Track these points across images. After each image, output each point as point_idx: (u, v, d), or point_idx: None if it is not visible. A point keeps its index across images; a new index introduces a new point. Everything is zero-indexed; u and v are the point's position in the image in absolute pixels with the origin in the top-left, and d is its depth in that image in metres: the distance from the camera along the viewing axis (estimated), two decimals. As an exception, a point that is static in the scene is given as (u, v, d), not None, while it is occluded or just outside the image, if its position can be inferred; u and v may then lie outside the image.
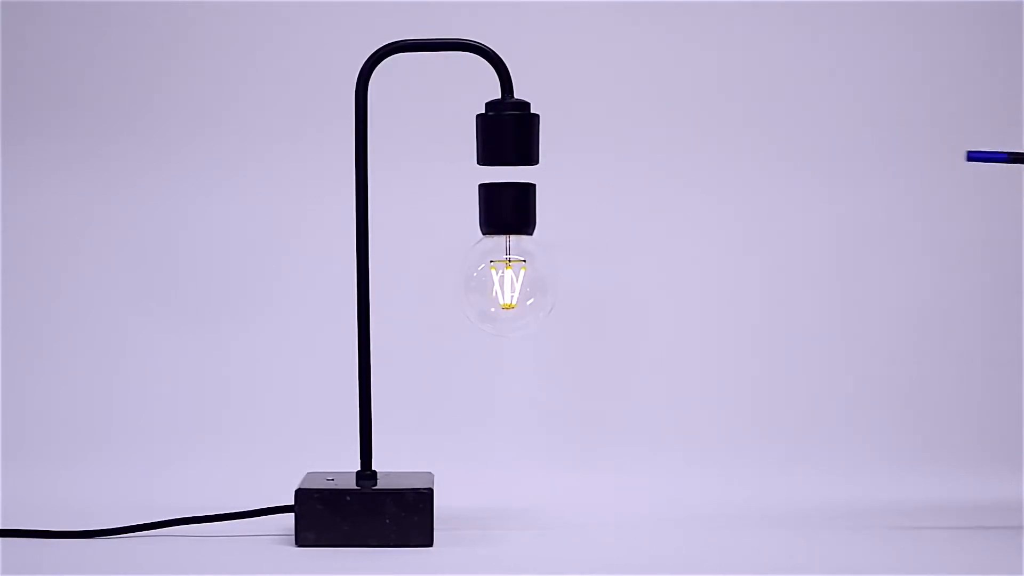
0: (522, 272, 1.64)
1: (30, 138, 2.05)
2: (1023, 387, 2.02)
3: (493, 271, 1.65)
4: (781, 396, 2.04)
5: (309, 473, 1.70)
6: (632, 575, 1.57)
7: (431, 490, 1.64)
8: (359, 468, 1.66)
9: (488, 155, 1.64)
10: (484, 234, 1.65)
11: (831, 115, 2.07)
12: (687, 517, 1.80)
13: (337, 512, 1.62)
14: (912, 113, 2.08)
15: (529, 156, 1.64)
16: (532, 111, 1.64)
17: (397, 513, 1.63)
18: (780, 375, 2.05)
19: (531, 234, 1.65)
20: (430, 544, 1.63)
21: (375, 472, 1.66)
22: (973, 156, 1.69)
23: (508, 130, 1.63)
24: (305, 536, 1.63)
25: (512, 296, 1.65)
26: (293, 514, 1.64)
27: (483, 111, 1.64)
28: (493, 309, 1.65)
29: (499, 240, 1.64)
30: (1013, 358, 2.04)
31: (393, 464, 1.70)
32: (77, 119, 2.06)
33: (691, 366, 2.05)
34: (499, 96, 1.65)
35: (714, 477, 1.96)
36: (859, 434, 2.03)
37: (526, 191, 1.64)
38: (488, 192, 1.64)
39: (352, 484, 1.65)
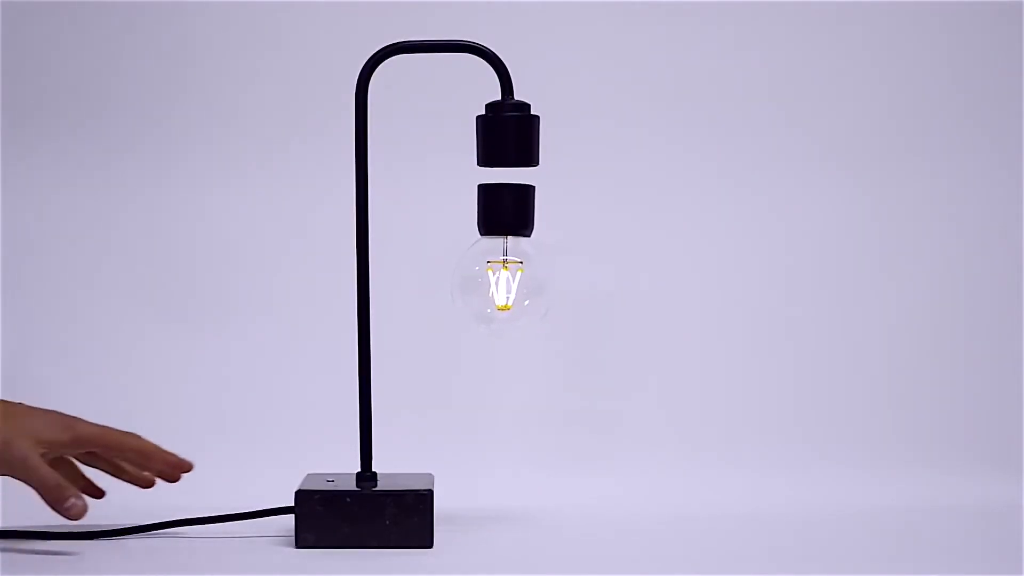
0: (518, 273, 1.64)
1: (32, 140, 2.05)
2: (1023, 387, 2.02)
3: (490, 272, 1.65)
4: (780, 397, 2.05)
5: (309, 474, 1.70)
6: (631, 575, 1.57)
7: (431, 491, 1.63)
8: (359, 469, 1.66)
9: (488, 156, 1.63)
10: (482, 235, 1.64)
11: (830, 116, 2.07)
12: (686, 517, 1.80)
13: (337, 513, 1.62)
14: (911, 113, 2.07)
15: (529, 157, 1.63)
16: (532, 112, 1.64)
17: (397, 514, 1.62)
18: (779, 376, 2.05)
19: (529, 236, 1.64)
20: (430, 545, 1.63)
21: (375, 473, 1.66)
22: None
23: (508, 131, 1.63)
24: (305, 537, 1.63)
25: (508, 297, 1.64)
26: (293, 515, 1.64)
27: (483, 112, 1.64)
28: (489, 310, 1.65)
29: (497, 241, 1.64)
30: (1013, 358, 2.04)
31: (393, 465, 1.70)
32: (78, 120, 2.06)
33: (691, 367, 2.05)
34: (499, 97, 1.64)
35: (714, 478, 1.95)
36: (859, 434, 2.03)
37: (525, 192, 1.64)
38: (487, 193, 1.64)
39: (352, 485, 1.65)
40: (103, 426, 1.66)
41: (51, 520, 1.72)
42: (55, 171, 2.06)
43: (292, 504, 1.64)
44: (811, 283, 2.07)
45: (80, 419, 1.65)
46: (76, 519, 1.59)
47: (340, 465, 1.71)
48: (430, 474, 1.70)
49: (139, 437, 1.67)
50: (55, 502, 1.59)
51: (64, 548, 1.64)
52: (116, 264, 2.05)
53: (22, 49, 2.06)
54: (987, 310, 2.06)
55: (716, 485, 1.94)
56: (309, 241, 2.05)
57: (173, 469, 1.67)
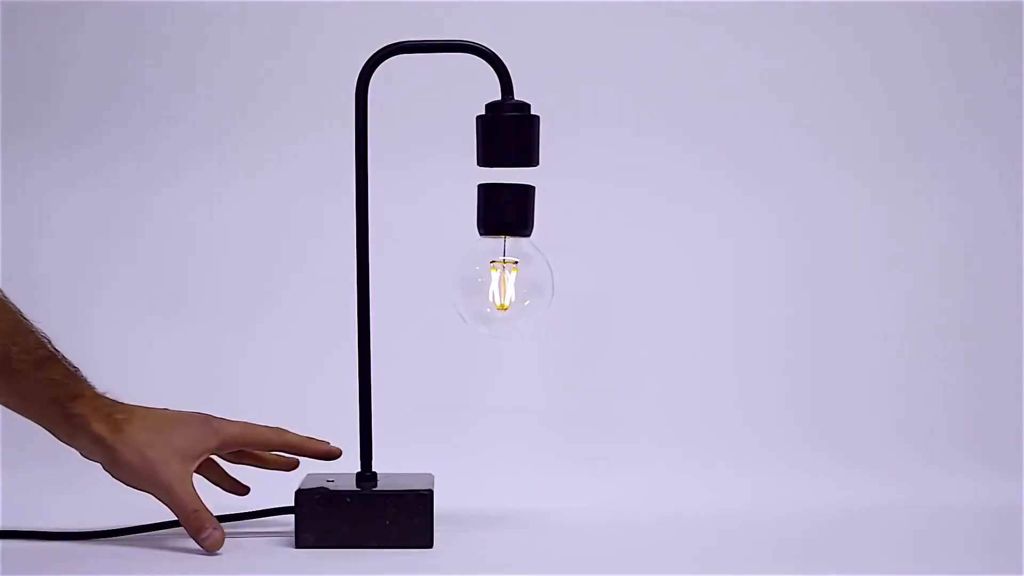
0: (515, 273, 1.64)
1: (38, 142, 2.05)
2: (1023, 387, 2.02)
3: (494, 271, 1.64)
4: (780, 397, 2.04)
5: (309, 474, 1.70)
6: (631, 575, 1.57)
7: (431, 491, 1.63)
8: (359, 469, 1.66)
9: (488, 156, 1.63)
10: (482, 235, 1.64)
11: (830, 116, 2.07)
12: (687, 518, 1.80)
13: (337, 513, 1.62)
14: (911, 113, 2.08)
15: (529, 157, 1.63)
16: (532, 112, 1.64)
17: (397, 514, 1.62)
18: (779, 376, 2.05)
19: (529, 236, 1.64)
20: (430, 545, 1.63)
21: (375, 473, 1.66)
22: None
23: (508, 131, 1.62)
24: (305, 537, 1.63)
25: (507, 297, 1.64)
26: (293, 515, 1.64)
27: (483, 112, 1.64)
28: (488, 310, 1.65)
29: (496, 241, 1.64)
30: (1013, 358, 2.04)
31: (393, 465, 1.70)
32: (82, 121, 2.06)
33: (691, 367, 2.05)
34: (499, 97, 1.64)
35: (714, 478, 1.95)
36: (859, 434, 2.03)
37: (525, 192, 1.63)
38: (487, 193, 1.64)
39: (352, 485, 1.65)
40: (246, 424, 1.67)
41: (51, 520, 1.72)
42: (59, 173, 2.06)
43: (292, 504, 1.64)
44: (811, 283, 2.07)
45: (223, 420, 1.66)
46: (211, 550, 1.60)
47: (340, 465, 1.71)
48: (430, 474, 1.70)
49: (284, 431, 1.69)
50: (193, 531, 1.61)
51: (64, 548, 1.65)
52: (114, 264, 2.05)
53: (26, 51, 2.06)
54: (987, 310, 2.06)
55: (716, 485, 1.94)
56: (309, 241, 2.05)
57: (322, 457, 1.69)
